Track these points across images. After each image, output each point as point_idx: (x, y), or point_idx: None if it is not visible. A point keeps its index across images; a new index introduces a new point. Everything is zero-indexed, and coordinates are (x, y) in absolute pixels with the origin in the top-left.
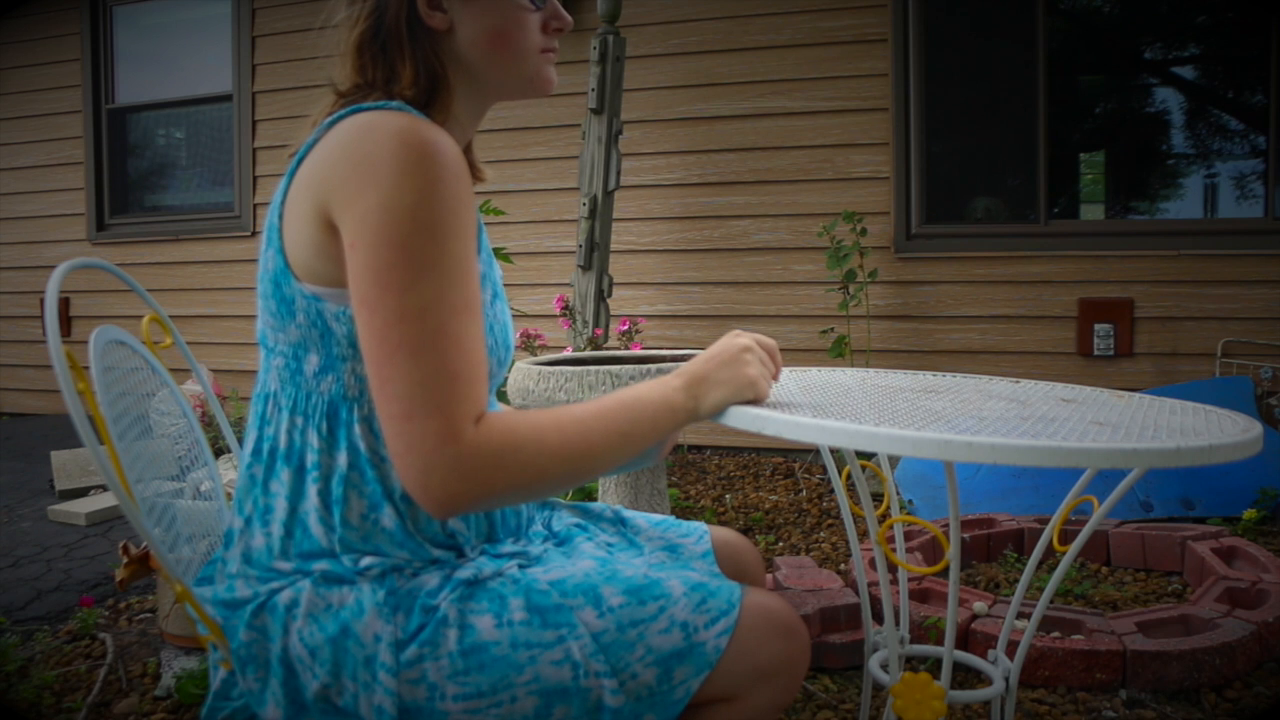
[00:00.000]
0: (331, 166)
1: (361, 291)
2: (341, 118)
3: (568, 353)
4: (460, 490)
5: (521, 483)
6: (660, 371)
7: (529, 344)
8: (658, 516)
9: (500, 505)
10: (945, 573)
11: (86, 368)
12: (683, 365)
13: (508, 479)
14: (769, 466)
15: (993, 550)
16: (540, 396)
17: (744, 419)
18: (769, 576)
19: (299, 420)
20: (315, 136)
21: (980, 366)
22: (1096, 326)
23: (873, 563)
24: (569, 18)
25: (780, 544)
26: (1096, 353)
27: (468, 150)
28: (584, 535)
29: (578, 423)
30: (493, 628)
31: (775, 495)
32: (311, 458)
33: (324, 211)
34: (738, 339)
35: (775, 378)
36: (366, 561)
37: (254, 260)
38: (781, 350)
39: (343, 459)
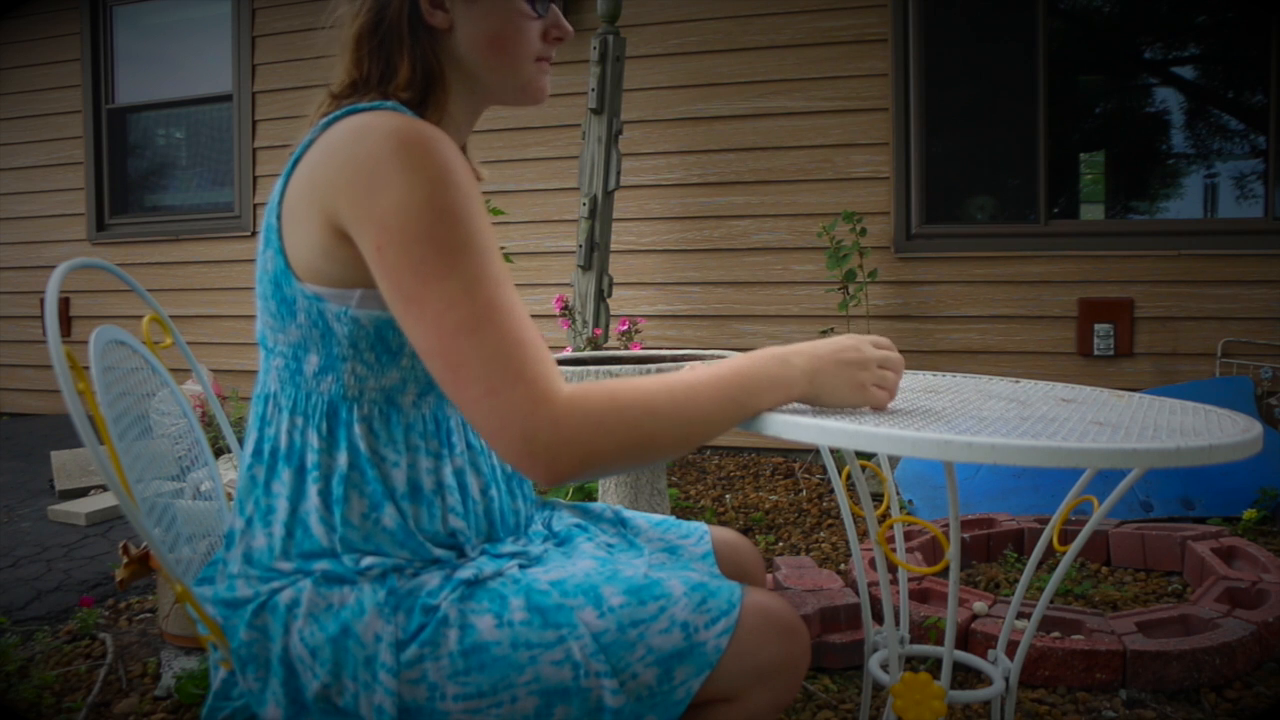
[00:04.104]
0: (334, 171)
1: (404, 290)
2: (337, 119)
3: (567, 353)
4: (566, 454)
5: (629, 444)
6: (660, 371)
7: None
8: (658, 517)
9: (610, 471)
10: (945, 573)
11: (86, 368)
12: (803, 349)
13: (614, 441)
14: (769, 466)
15: (993, 550)
16: None
17: None
18: (769, 576)
19: (299, 420)
20: (311, 138)
21: (980, 366)
22: (1096, 326)
23: (873, 563)
24: (569, 28)
25: (780, 544)
26: (1096, 353)
27: (463, 152)
28: (584, 535)
29: (689, 387)
30: (493, 628)
31: (775, 495)
32: (312, 458)
33: (331, 218)
34: (864, 351)
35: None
36: (367, 561)
37: (254, 260)
38: None
39: (343, 459)
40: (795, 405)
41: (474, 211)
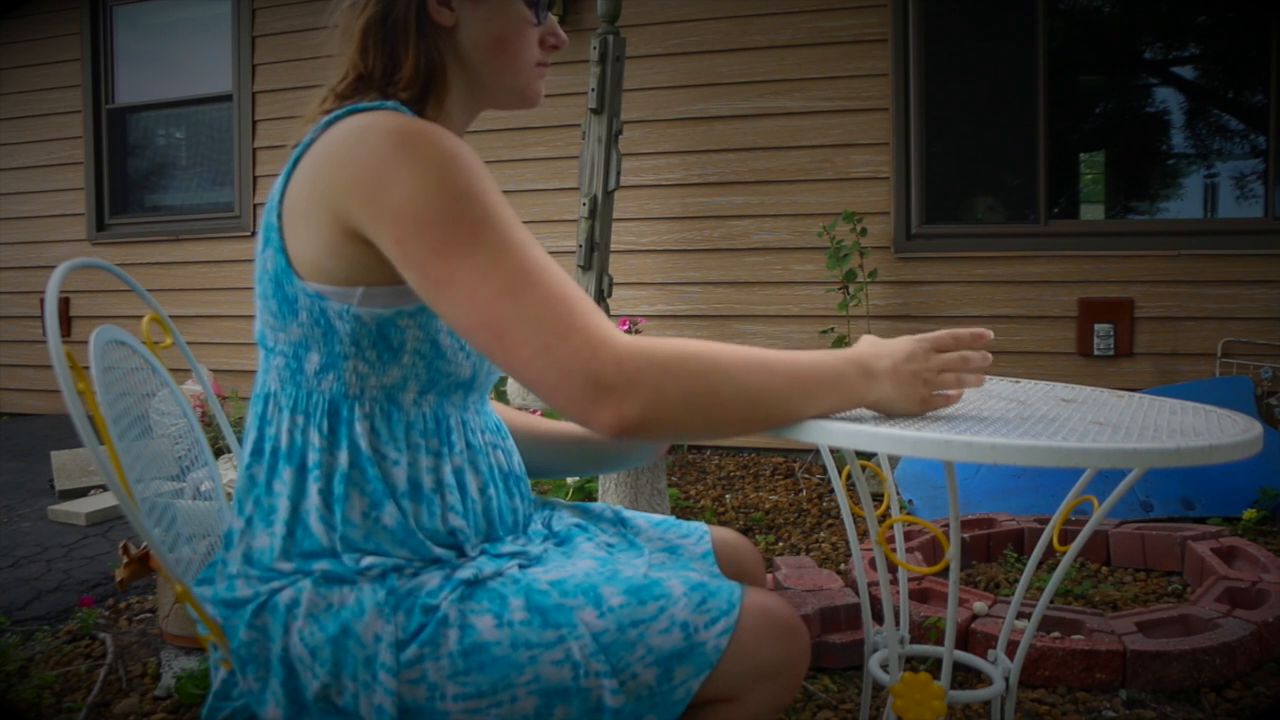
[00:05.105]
0: (338, 172)
1: (432, 276)
2: (338, 118)
3: None
4: (633, 395)
5: (696, 396)
6: None
7: None
8: (658, 517)
9: (678, 429)
10: (945, 573)
11: (86, 368)
12: (882, 369)
13: (680, 389)
14: (769, 466)
15: (993, 550)
16: None
17: None
18: (769, 576)
19: (300, 419)
20: (312, 137)
21: None
22: (1096, 326)
23: (873, 563)
24: (565, 37)
25: (780, 544)
26: (1096, 353)
27: None
28: (584, 535)
29: (762, 359)
30: (493, 628)
31: (775, 495)
32: (313, 456)
33: (339, 217)
34: (925, 361)
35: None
36: (367, 561)
37: (254, 260)
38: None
39: (344, 457)
40: None
41: (485, 187)
